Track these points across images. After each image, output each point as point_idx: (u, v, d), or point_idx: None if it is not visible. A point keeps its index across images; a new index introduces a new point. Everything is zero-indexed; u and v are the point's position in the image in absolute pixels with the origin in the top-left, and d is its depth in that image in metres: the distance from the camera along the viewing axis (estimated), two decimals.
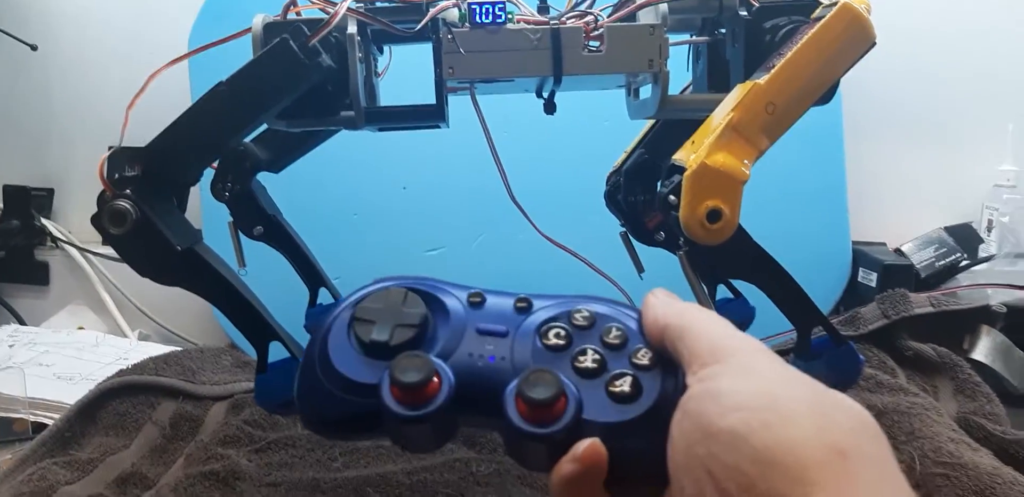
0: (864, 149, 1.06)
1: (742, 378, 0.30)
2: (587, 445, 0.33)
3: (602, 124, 0.90)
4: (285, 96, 0.51)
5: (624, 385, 0.34)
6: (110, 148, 0.51)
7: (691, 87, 0.66)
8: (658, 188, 0.61)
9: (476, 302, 0.39)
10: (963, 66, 1.08)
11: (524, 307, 0.39)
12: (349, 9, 0.52)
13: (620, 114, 0.68)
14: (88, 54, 1.12)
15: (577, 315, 0.37)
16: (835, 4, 0.50)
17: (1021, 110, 1.06)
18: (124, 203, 0.49)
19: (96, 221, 0.49)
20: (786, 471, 0.26)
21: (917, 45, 1.08)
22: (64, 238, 1.08)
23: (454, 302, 0.39)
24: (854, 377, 0.58)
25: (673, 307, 0.36)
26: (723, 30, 0.60)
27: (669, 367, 0.35)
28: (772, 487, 0.26)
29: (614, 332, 0.36)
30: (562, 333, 0.37)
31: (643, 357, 0.35)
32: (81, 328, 1.04)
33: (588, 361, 0.35)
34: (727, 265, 0.53)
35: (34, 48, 1.09)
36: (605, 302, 0.39)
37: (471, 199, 0.95)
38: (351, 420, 0.38)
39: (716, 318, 0.34)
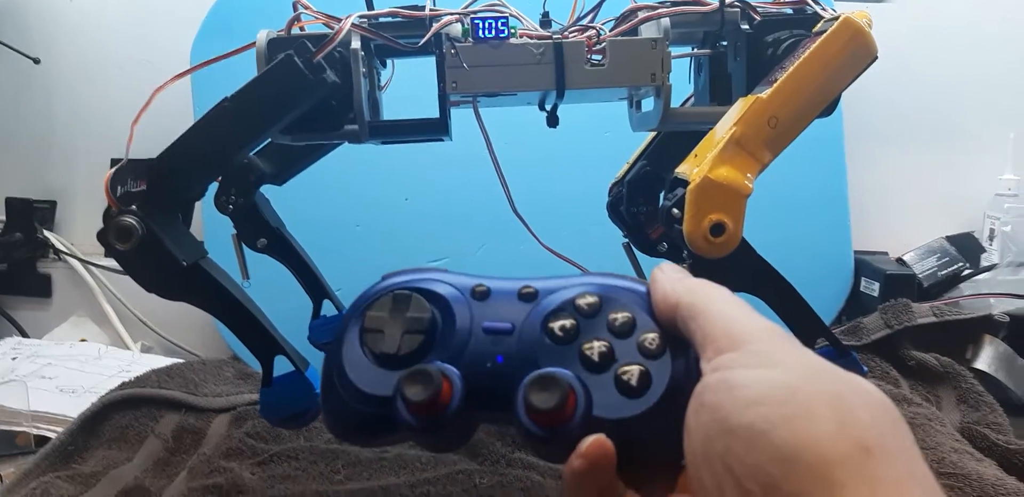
0: (865, 158, 1.07)
1: (760, 368, 0.28)
2: (591, 441, 0.32)
3: (604, 135, 0.90)
4: (290, 112, 0.51)
5: (632, 378, 0.34)
6: (113, 161, 0.52)
7: (693, 99, 0.66)
8: (661, 201, 0.62)
9: (481, 293, 0.39)
10: (963, 75, 1.09)
11: (529, 294, 0.38)
12: (353, 25, 0.52)
13: (622, 125, 0.68)
14: (90, 67, 1.12)
15: (582, 302, 0.37)
16: (836, 18, 0.50)
17: (1022, 119, 1.07)
18: (130, 219, 0.49)
19: (102, 237, 0.50)
20: (810, 470, 0.25)
21: (918, 55, 1.08)
22: (66, 250, 1.08)
23: (458, 298, 0.39)
24: None
25: (683, 283, 0.35)
26: (725, 43, 0.60)
27: (679, 349, 0.34)
28: (797, 488, 0.25)
29: (621, 318, 0.36)
30: (567, 325, 0.36)
31: (652, 343, 0.35)
32: (83, 340, 1.04)
33: (595, 354, 0.35)
34: (731, 278, 0.53)
35: (36, 61, 1.09)
36: (612, 280, 0.38)
37: (473, 210, 0.96)
38: (373, 428, 0.38)
39: (730, 298, 0.33)
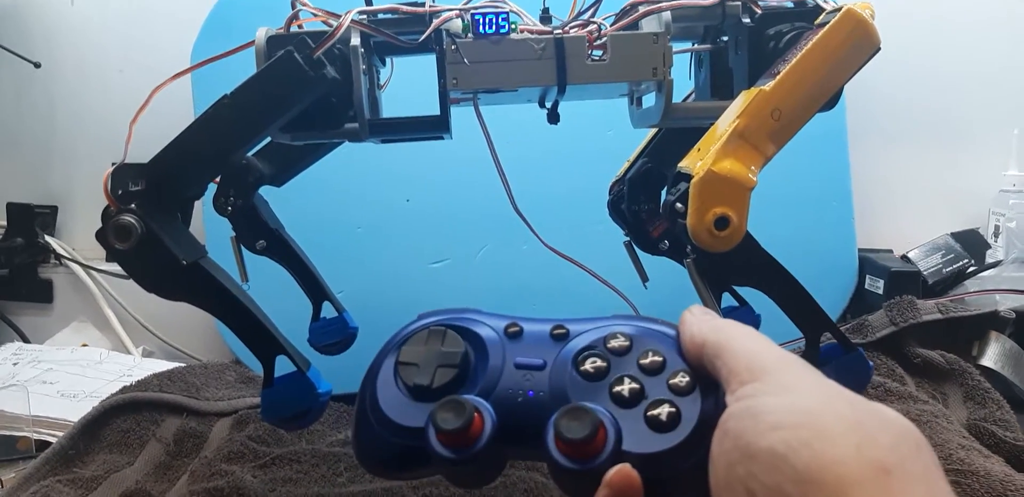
0: (869, 155, 1.06)
1: (780, 396, 0.29)
2: (616, 470, 0.33)
3: (605, 134, 0.90)
4: (290, 109, 0.51)
5: (662, 414, 0.34)
6: (113, 164, 0.51)
7: (694, 95, 0.66)
8: (664, 196, 0.61)
9: (514, 333, 0.40)
10: (968, 71, 1.08)
11: (561, 335, 0.39)
12: (353, 21, 0.52)
13: (622, 123, 0.68)
14: (91, 71, 1.12)
15: (613, 341, 0.38)
16: (839, 10, 0.50)
17: None
18: (129, 218, 0.49)
19: (101, 236, 0.49)
20: (828, 491, 0.26)
21: (922, 50, 1.08)
22: (68, 255, 1.07)
23: (492, 336, 0.40)
24: (863, 383, 0.58)
25: (709, 324, 0.36)
26: (726, 38, 0.60)
27: (709, 388, 0.35)
28: None
29: (651, 356, 0.37)
30: (598, 362, 0.37)
31: (681, 380, 0.35)
32: (85, 345, 1.03)
33: (626, 390, 0.36)
34: (735, 272, 0.53)
35: (37, 65, 1.09)
36: (643, 322, 0.39)
37: (474, 210, 0.95)
38: (404, 460, 0.39)
39: (753, 334, 0.34)
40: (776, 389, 0.30)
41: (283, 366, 0.55)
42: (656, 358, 0.36)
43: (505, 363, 0.38)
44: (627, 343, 0.38)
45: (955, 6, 1.08)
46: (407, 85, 0.63)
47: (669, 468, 0.34)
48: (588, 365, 0.37)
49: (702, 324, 0.36)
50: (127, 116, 0.53)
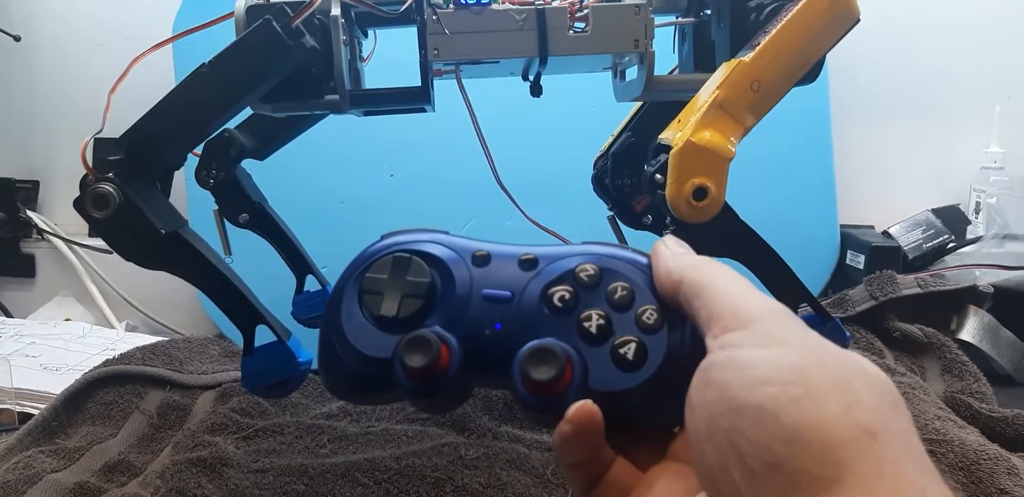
0: (852, 131, 1.07)
1: (768, 348, 0.29)
2: (577, 407, 0.33)
3: (589, 109, 0.89)
4: (269, 78, 0.50)
5: (629, 352, 0.34)
6: (96, 140, 0.51)
7: (677, 69, 0.66)
8: (645, 168, 0.61)
9: (481, 259, 0.39)
10: (950, 48, 1.08)
11: (530, 262, 0.38)
12: None
13: (606, 99, 0.68)
14: (72, 45, 1.11)
15: (582, 273, 0.37)
16: None
17: (1007, 92, 1.07)
18: (107, 186, 0.49)
19: (79, 205, 0.49)
20: (816, 451, 0.25)
21: (903, 27, 1.08)
22: (50, 230, 1.07)
23: (459, 263, 0.39)
24: None
25: (687, 260, 0.35)
26: (708, 11, 0.60)
27: (677, 324, 0.34)
28: (801, 467, 0.25)
29: (620, 290, 0.36)
30: (567, 296, 0.36)
31: (650, 317, 0.35)
32: (68, 320, 1.03)
33: (593, 327, 0.35)
34: (714, 243, 0.53)
35: (17, 39, 1.08)
36: (614, 250, 0.38)
37: (458, 186, 0.95)
38: (370, 388, 0.39)
39: (734, 276, 0.33)
40: (763, 340, 0.29)
41: (265, 336, 0.55)
42: (625, 293, 0.36)
43: (472, 293, 0.37)
44: (596, 273, 0.36)
45: None
46: (393, 60, 0.63)
47: (633, 405, 0.34)
48: (556, 298, 0.36)
49: (679, 259, 0.35)
50: (108, 90, 0.53)
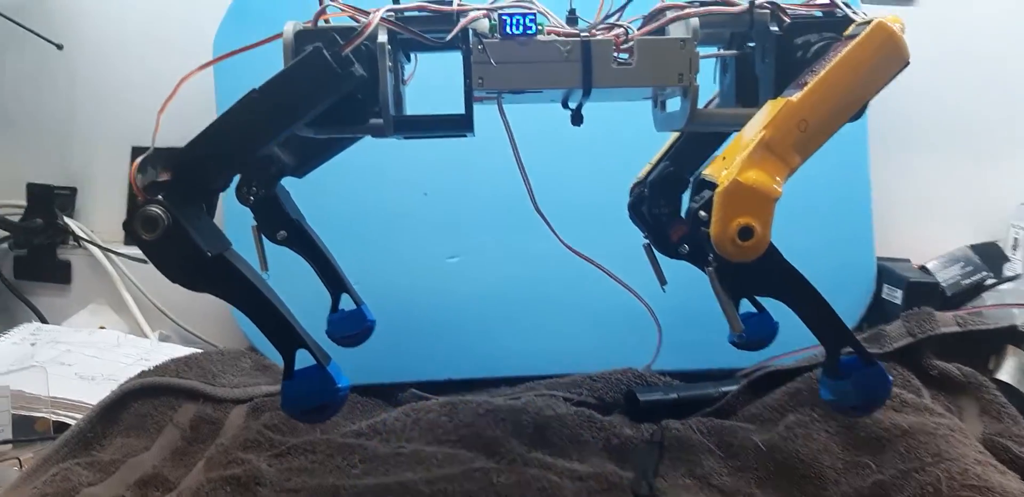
0: (889, 163, 1.06)
1: None
2: None
3: (626, 135, 0.89)
4: (318, 105, 0.51)
5: None
6: (134, 149, 0.52)
7: (717, 99, 0.66)
8: (686, 202, 0.61)
9: None
10: (992, 83, 1.07)
11: None
12: (382, 19, 0.52)
13: (644, 124, 0.68)
14: (112, 54, 1.12)
15: None
16: (869, 22, 0.50)
17: None
18: (156, 209, 0.49)
19: (128, 226, 0.50)
20: None
21: (946, 60, 1.07)
22: (87, 237, 1.08)
23: None
24: (883, 398, 0.58)
25: None
26: (752, 44, 0.60)
27: None
28: None
29: None
30: None
31: None
32: (102, 327, 1.04)
33: None
34: (757, 283, 0.53)
35: (60, 47, 1.10)
36: None
37: (492, 206, 0.95)
38: None
39: None
40: None
41: (303, 358, 0.56)
42: None
43: None
44: None
45: (980, 15, 1.07)
46: (433, 76, 0.63)
47: None
48: None
49: None
50: (147, 99, 0.53)
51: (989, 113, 1.08)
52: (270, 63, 0.53)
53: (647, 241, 0.73)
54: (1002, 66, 1.07)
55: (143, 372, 0.80)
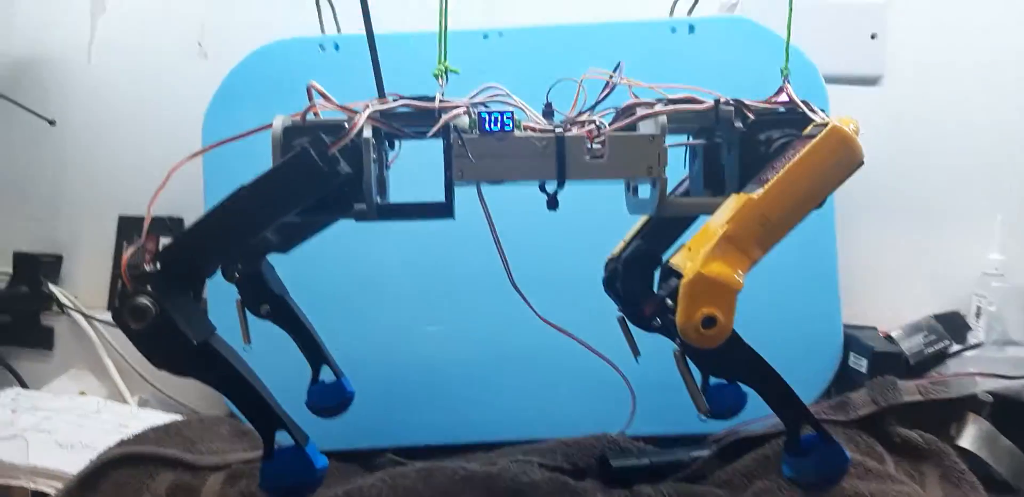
0: (856, 233, 1.09)
1: None
2: None
3: (600, 210, 0.92)
4: (304, 200, 0.53)
5: None
6: (120, 219, 0.54)
7: (687, 182, 0.69)
8: (655, 281, 0.64)
9: None
10: (955, 158, 1.11)
11: None
12: (368, 117, 0.55)
13: (619, 201, 0.70)
14: (103, 130, 1.15)
15: None
16: (826, 124, 0.53)
17: (1009, 202, 1.09)
18: (144, 300, 0.51)
19: (117, 316, 0.51)
20: None
21: (912, 133, 1.11)
22: (71, 304, 1.09)
23: None
24: (841, 473, 0.60)
25: None
26: (719, 134, 0.63)
27: None
28: None
29: None
30: None
31: None
32: (83, 393, 1.05)
33: None
34: (720, 366, 0.55)
35: (52, 123, 1.12)
36: None
37: (472, 277, 0.97)
38: None
39: None
40: None
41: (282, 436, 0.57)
42: None
43: None
44: None
45: (940, 92, 1.12)
46: (414, 158, 0.65)
47: None
48: None
49: None
50: (133, 172, 0.56)
51: (952, 186, 1.11)
52: (257, 141, 0.56)
53: (621, 314, 0.75)
54: (964, 142, 1.11)
55: (123, 441, 0.81)
